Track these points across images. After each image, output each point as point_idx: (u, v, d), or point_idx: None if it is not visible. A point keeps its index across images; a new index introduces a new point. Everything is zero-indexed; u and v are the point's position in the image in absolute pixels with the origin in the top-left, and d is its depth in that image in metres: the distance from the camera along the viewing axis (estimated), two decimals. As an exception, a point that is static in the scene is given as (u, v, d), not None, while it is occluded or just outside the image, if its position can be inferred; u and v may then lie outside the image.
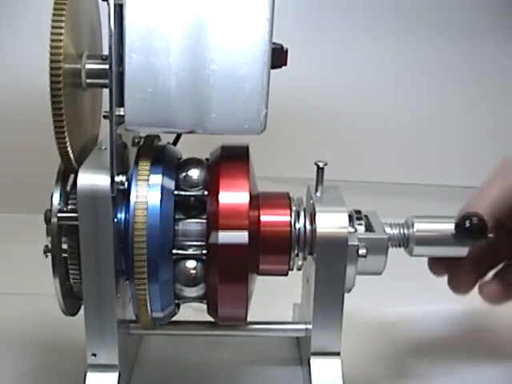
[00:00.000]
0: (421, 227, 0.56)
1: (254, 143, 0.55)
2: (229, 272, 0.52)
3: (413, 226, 0.56)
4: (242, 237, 0.51)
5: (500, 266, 0.60)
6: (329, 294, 0.54)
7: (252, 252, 0.52)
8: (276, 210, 0.55)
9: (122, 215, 0.52)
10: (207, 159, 0.55)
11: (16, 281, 0.76)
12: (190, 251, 0.53)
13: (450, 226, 0.56)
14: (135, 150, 0.54)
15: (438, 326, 0.71)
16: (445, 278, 0.60)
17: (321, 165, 0.55)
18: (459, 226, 0.54)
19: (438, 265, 0.59)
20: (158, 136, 0.57)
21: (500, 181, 0.57)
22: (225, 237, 0.51)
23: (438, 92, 1.00)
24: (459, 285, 0.58)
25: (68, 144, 0.50)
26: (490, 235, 0.55)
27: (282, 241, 0.54)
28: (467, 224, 0.54)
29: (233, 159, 0.54)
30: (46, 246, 0.52)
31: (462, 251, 0.56)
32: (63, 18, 0.48)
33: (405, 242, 0.57)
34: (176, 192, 0.52)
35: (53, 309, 0.54)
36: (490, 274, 0.59)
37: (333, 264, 0.53)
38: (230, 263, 0.51)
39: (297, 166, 0.82)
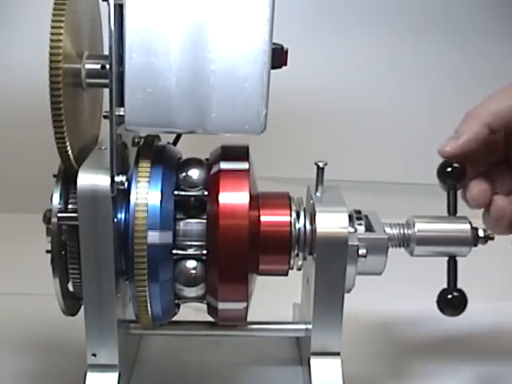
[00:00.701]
0: (422, 227, 0.56)
1: (253, 143, 0.55)
2: (229, 272, 0.52)
3: (414, 225, 0.56)
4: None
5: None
6: (329, 294, 0.54)
7: (252, 252, 0.52)
8: (276, 210, 0.55)
9: (122, 215, 0.52)
10: (207, 159, 0.55)
11: (16, 281, 0.76)
12: (190, 251, 0.53)
13: (451, 226, 0.56)
14: (135, 150, 0.54)
15: (437, 325, 0.71)
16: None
17: (321, 165, 0.55)
18: (441, 170, 0.57)
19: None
20: (158, 136, 0.57)
21: (507, 94, 0.56)
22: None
23: (438, 92, 1.00)
24: (475, 198, 0.57)
25: (67, 144, 0.50)
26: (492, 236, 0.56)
27: (282, 241, 0.54)
28: (448, 169, 0.56)
29: (233, 159, 0.54)
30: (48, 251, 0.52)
31: (462, 251, 0.56)
32: (63, 18, 0.48)
33: (405, 242, 0.57)
34: (176, 192, 0.52)
35: (53, 309, 0.54)
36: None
37: (333, 264, 0.53)
38: (230, 263, 0.51)
39: (297, 166, 0.82)
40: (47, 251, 0.52)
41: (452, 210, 0.57)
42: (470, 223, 0.57)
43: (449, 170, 0.56)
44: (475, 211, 0.58)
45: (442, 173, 0.57)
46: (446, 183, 0.57)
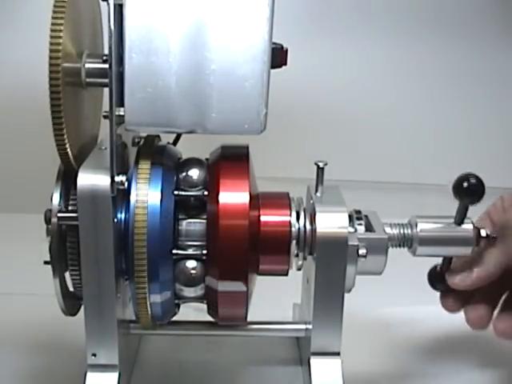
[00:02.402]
0: (424, 227, 0.56)
1: (254, 143, 0.55)
2: (229, 272, 0.52)
3: (416, 226, 0.56)
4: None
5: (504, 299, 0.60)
6: (329, 293, 0.54)
7: (252, 252, 0.52)
8: (276, 210, 0.55)
9: (122, 215, 0.52)
10: (207, 159, 0.55)
11: (16, 281, 0.76)
12: (190, 251, 0.53)
13: (453, 226, 0.56)
14: (135, 150, 0.54)
15: (438, 326, 0.71)
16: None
17: (321, 165, 0.55)
18: (457, 186, 0.55)
19: (450, 300, 0.59)
20: (158, 136, 0.57)
21: (500, 245, 0.56)
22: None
23: (437, 92, 1.00)
24: (478, 319, 0.58)
25: (67, 143, 0.50)
26: (494, 236, 0.56)
27: (282, 241, 0.54)
28: (465, 184, 0.54)
29: (233, 159, 0.54)
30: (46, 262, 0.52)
31: (464, 251, 0.56)
32: (63, 16, 0.48)
33: (405, 242, 0.57)
34: (176, 192, 0.52)
35: (53, 309, 0.54)
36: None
37: (333, 264, 0.53)
38: (230, 263, 0.51)
39: (297, 166, 0.82)
40: (45, 262, 0.52)
41: (458, 221, 0.56)
42: (473, 223, 0.57)
43: (465, 185, 0.54)
44: (477, 212, 0.58)
45: (457, 188, 0.55)
46: (461, 199, 0.55)
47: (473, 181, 0.54)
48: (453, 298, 0.59)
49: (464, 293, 0.58)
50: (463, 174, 0.55)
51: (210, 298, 0.54)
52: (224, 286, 0.52)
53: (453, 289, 0.58)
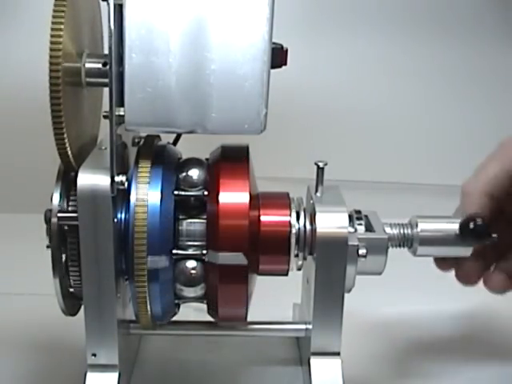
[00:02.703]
0: (425, 227, 0.56)
1: (254, 143, 0.55)
2: (229, 272, 0.52)
3: (417, 225, 0.56)
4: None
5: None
6: (329, 293, 0.54)
7: (252, 252, 0.52)
8: (276, 210, 0.54)
9: (122, 215, 0.52)
10: (207, 159, 0.55)
11: (16, 281, 0.76)
12: (190, 251, 0.53)
13: (453, 226, 0.56)
14: (135, 150, 0.54)
15: (438, 325, 0.71)
16: (444, 278, 0.60)
17: (321, 165, 0.55)
18: (463, 227, 0.55)
19: (443, 260, 0.59)
20: (158, 136, 0.57)
21: (498, 160, 0.57)
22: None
23: (438, 92, 1.00)
24: (467, 277, 0.58)
25: (67, 143, 0.50)
26: (494, 235, 0.55)
27: (282, 241, 0.54)
28: (471, 225, 0.54)
29: (233, 159, 0.54)
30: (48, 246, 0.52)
31: (465, 251, 0.56)
32: (63, 15, 0.48)
33: (405, 242, 0.57)
34: (176, 192, 0.52)
35: (53, 309, 0.54)
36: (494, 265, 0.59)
37: (333, 264, 0.53)
38: (230, 263, 0.51)
39: (297, 166, 0.82)
40: (47, 246, 0.52)
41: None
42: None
43: (471, 226, 0.54)
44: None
45: (463, 230, 0.55)
46: (468, 242, 0.55)
47: (478, 221, 0.54)
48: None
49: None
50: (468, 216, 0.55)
51: (210, 298, 0.54)
52: (224, 286, 0.52)
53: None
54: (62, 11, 0.48)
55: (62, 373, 0.61)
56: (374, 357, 0.66)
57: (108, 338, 0.53)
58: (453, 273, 0.59)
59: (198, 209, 0.53)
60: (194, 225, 0.53)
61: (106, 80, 0.48)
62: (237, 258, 0.51)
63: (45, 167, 0.56)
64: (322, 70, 0.97)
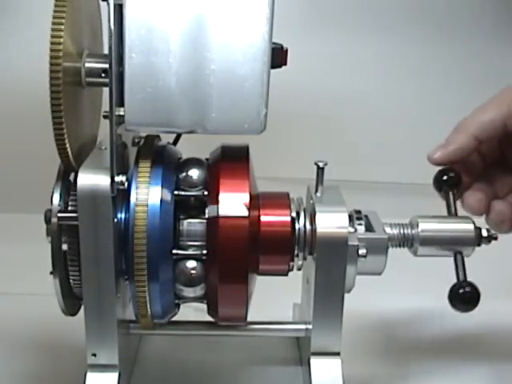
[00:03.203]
0: (425, 227, 0.56)
1: (254, 143, 0.55)
2: (229, 272, 0.52)
3: (417, 225, 0.56)
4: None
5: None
6: (329, 294, 0.54)
7: (252, 252, 0.52)
8: (276, 210, 0.55)
9: (122, 215, 0.52)
10: (207, 159, 0.55)
11: (16, 281, 0.76)
12: (190, 251, 0.53)
13: (454, 226, 0.56)
14: (135, 150, 0.54)
15: (438, 325, 0.71)
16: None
17: (321, 165, 0.55)
18: (437, 179, 0.59)
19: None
20: (158, 136, 0.57)
21: (495, 105, 0.58)
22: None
23: (438, 92, 1.00)
24: (471, 206, 0.58)
25: (67, 143, 0.50)
26: (496, 236, 0.57)
27: (282, 241, 0.54)
28: (444, 178, 0.59)
29: (233, 159, 0.54)
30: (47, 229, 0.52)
31: (466, 251, 0.56)
32: (64, 15, 0.48)
33: (406, 242, 0.57)
34: (176, 192, 0.52)
35: (53, 309, 0.54)
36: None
37: (333, 264, 0.53)
38: (230, 263, 0.51)
39: (297, 166, 0.82)
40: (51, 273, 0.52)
41: (453, 211, 0.58)
42: (474, 223, 0.57)
43: (444, 178, 0.59)
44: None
45: (437, 181, 0.59)
46: (442, 190, 0.59)
47: (451, 174, 0.59)
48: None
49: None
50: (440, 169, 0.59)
51: (210, 298, 0.54)
52: (224, 286, 0.52)
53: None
54: (63, 11, 0.48)
55: (62, 373, 0.61)
56: (374, 357, 0.66)
57: (108, 338, 0.53)
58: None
59: (198, 209, 0.53)
60: (194, 225, 0.53)
61: (106, 80, 0.48)
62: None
63: (45, 167, 0.56)
64: (322, 70, 0.97)
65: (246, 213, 0.51)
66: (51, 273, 0.52)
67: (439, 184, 0.59)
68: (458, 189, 0.59)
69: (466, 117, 0.59)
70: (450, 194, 0.59)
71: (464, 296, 0.55)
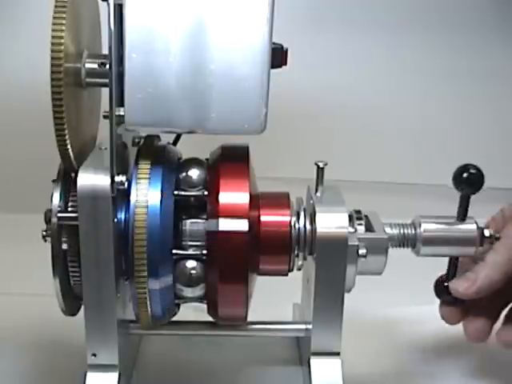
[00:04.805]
0: (428, 227, 0.56)
1: (254, 143, 0.55)
2: (229, 272, 0.52)
3: (420, 226, 0.56)
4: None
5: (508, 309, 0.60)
6: (329, 293, 0.54)
7: (252, 252, 0.52)
8: (276, 210, 0.55)
9: (122, 215, 0.52)
10: (207, 159, 0.55)
11: (16, 281, 0.76)
12: (190, 251, 0.53)
13: (456, 226, 0.56)
14: (135, 150, 0.54)
15: (437, 325, 0.70)
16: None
17: (321, 165, 0.55)
18: (457, 176, 0.55)
19: (451, 313, 0.59)
20: (158, 136, 0.57)
21: (504, 252, 0.56)
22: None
23: (438, 92, 1.00)
24: (477, 333, 0.59)
25: (68, 143, 0.50)
26: (497, 236, 0.56)
27: (282, 241, 0.54)
28: (465, 174, 0.55)
29: (233, 159, 0.54)
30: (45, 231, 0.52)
31: (468, 251, 0.56)
32: (64, 15, 0.48)
33: (407, 242, 0.57)
34: (176, 192, 0.52)
35: (53, 309, 0.54)
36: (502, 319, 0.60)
37: (333, 264, 0.53)
38: (230, 263, 0.51)
39: (297, 166, 0.82)
40: (43, 236, 0.52)
41: (461, 216, 0.57)
42: (476, 223, 0.57)
43: (465, 175, 0.55)
44: (481, 212, 0.58)
45: (457, 178, 0.55)
46: (461, 189, 0.56)
47: (472, 171, 0.55)
48: (453, 309, 0.59)
49: (464, 305, 0.58)
50: (462, 165, 0.55)
51: (210, 298, 0.54)
52: (224, 286, 0.52)
53: (458, 300, 0.58)
54: (63, 11, 0.48)
55: (62, 373, 0.61)
56: (374, 357, 0.66)
57: (108, 338, 0.53)
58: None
59: (198, 209, 0.53)
60: (194, 225, 0.53)
61: (106, 80, 0.48)
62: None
63: (45, 167, 0.56)
64: (322, 70, 0.97)
65: (245, 213, 0.51)
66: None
67: (458, 182, 0.55)
68: (478, 189, 0.55)
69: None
70: (466, 194, 0.55)
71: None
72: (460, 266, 0.59)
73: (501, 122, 1.00)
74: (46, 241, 0.52)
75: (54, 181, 0.53)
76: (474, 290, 0.56)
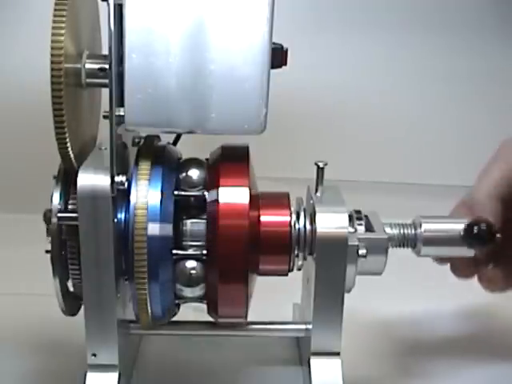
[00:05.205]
0: (429, 227, 0.56)
1: (254, 143, 0.55)
2: (229, 272, 0.52)
3: (420, 226, 0.56)
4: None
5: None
6: (329, 294, 0.54)
7: (252, 252, 0.52)
8: (276, 210, 0.55)
9: (122, 215, 0.52)
10: (207, 159, 0.55)
11: (16, 281, 0.76)
12: (190, 251, 0.53)
13: (457, 226, 0.56)
14: (135, 150, 0.54)
15: (438, 325, 0.71)
16: (445, 278, 0.60)
17: (321, 165, 0.55)
18: (467, 231, 0.55)
19: (462, 268, 0.59)
20: (158, 136, 0.57)
21: (501, 161, 0.57)
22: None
23: (439, 92, 1.00)
24: (461, 271, 0.58)
25: (68, 143, 0.50)
26: (498, 235, 0.55)
27: (282, 241, 0.54)
28: (475, 230, 0.54)
29: (233, 159, 0.54)
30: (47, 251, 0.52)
31: (469, 251, 0.56)
32: (64, 18, 0.48)
33: (408, 242, 0.57)
34: (176, 192, 0.52)
35: (53, 309, 0.54)
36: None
37: (333, 264, 0.53)
38: (230, 263, 0.51)
39: (297, 165, 0.82)
40: (46, 251, 0.52)
41: None
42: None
43: (475, 231, 0.54)
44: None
45: (467, 235, 0.55)
46: (472, 247, 0.55)
47: (482, 226, 0.54)
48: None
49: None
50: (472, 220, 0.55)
51: (210, 298, 0.54)
52: (224, 287, 0.52)
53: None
54: (63, 12, 0.48)
55: (63, 373, 0.61)
56: (374, 357, 0.66)
57: (108, 337, 0.53)
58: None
59: (198, 209, 0.53)
60: (194, 225, 0.53)
61: (106, 81, 0.48)
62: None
63: (45, 167, 0.56)
64: (322, 70, 0.97)
65: (245, 214, 0.51)
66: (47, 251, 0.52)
67: (469, 240, 0.55)
68: (489, 244, 0.54)
69: (475, 187, 0.57)
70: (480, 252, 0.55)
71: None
72: (458, 268, 0.59)
73: (500, 122, 1.00)
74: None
75: (55, 177, 0.53)
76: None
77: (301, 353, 0.63)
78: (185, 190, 0.53)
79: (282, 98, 0.68)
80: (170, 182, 0.52)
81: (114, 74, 0.48)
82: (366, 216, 0.57)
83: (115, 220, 0.51)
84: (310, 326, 0.56)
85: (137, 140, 0.57)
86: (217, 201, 0.51)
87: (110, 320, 0.52)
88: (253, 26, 0.48)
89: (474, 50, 0.98)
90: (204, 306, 0.55)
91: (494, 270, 0.58)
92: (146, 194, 0.51)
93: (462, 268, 0.58)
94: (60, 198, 0.52)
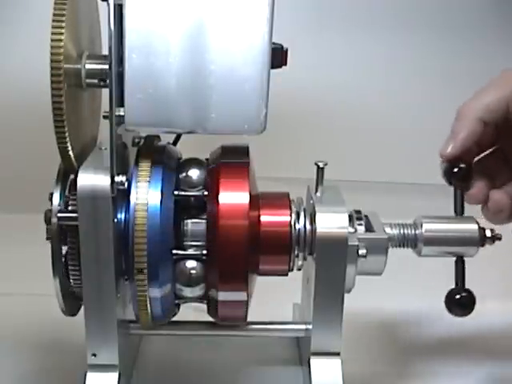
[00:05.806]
0: (430, 227, 0.56)
1: (254, 143, 0.55)
2: (229, 272, 0.52)
3: (421, 226, 0.56)
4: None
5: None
6: (329, 294, 0.54)
7: (252, 252, 0.52)
8: (276, 210, 0.55)
9: (122, 215, 0.52)
10: (207, 159, 0.55)
11: (16, 281, 0.76)
12: (190, 251, 0.53)
13: (458, 226, 0.56)
14: (135, 150, 0.54)
15: (438, 325, 0.71)
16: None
17: (321, 165, 0.55)
18: (447, 171, 0.57)
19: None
20: (158, 136, 0.57)
21: (498, 86, 0.57)
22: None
23: (438, 92, 1.00)
24: (473, 196, 0.58)
25: (68, 144, 0.50)
26: (499, 236, 0.56)
27: (282, 241, 0.54)
28: (455, 169, 0.56)
29: (233, 159, 0.54)
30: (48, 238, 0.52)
31: (470, 251, 0.56)
32: (63, 18, 0.48)
33: (408, 242, 0.57)
34: (176, 192, 0.52)
35: (53, 309, 0.54)
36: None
37: (333, 264, 0.53)
38: (230, 263, 0.51)
39: (297, 166, 0.82)
40: (47, 238, 0.52)
41: (459, 210, 0.57)
42: (478, 223, 0.57)
43: (455, 170, 0.56)
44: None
45: (448, 173, 0.57)
46: (453, 184, 0.57)
47: (461, 165, 0.56)
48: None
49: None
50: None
51: (210, 298, 0.54)
52: (224, 286, 0.52)
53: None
54: (63, 12, 0.48)
55: (62, 373, 0.61)
56: (374, 357, 0.66)
57: (108, 338, 0.53)
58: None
59: (198, 209, 0.53)
60: (194, 225, 0.53)
61: (106, 81, 0.48)
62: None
63: (45, 167, 0.56)
64: (322, 71, 0.97)
65: (245, 214, 0.51)
66: (47, 239, 0.52)
67: (449, 176, 0.57)
68: (468, 181, 0.57)
69: (466, 102, 0.58)
70: (459, 188, 0.57)
71: (460, 301, 0.56)
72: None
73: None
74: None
75: (58, 175, 0.53)
76: (457, 144, 0.56)
77: (301, 353, 0.63)
78: (185, 190, 0.53)
79: (283, 97, 0.68)
80: (170, 182, 0.52)
81: (114, 74, 0.48)
82: (366, 216, 0.57)
83: (115, 220, 0.51)
84: (309, 326, 0.56)
85: (137, 140, 0.57)
86: (217, 201, 0.51)
87: (110, 320, 0.52)
88: (253, 27, 0.48)
89: (476, 50, 0.98)
90: (204, 306, 0.55)
91: (501, 192, 0.57)
92: (146, 194, 0.51)
93: (473, 192, 0.57)
94: (60, 198, 0.52)
